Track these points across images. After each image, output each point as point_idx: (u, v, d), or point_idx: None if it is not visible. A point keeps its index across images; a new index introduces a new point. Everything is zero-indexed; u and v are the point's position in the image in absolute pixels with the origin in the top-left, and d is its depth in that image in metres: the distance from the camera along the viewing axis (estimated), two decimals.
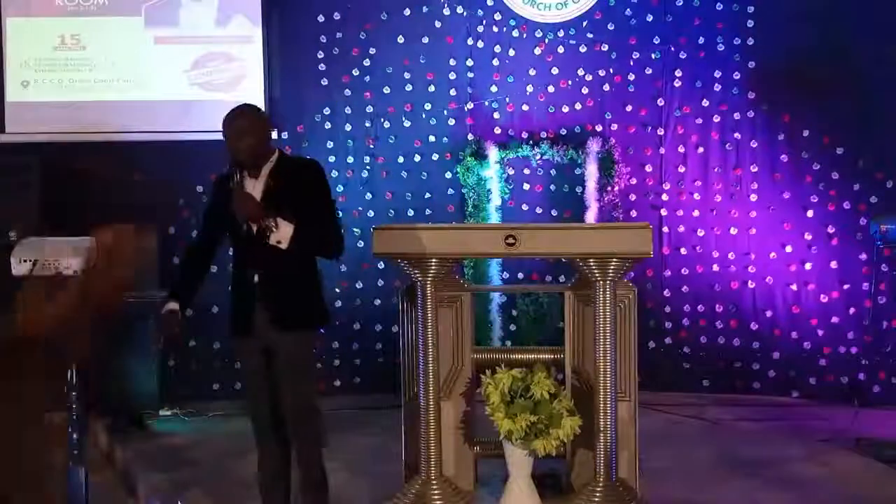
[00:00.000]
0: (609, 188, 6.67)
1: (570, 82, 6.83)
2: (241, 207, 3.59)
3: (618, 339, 3.99)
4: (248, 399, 3.94)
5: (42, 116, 6.68)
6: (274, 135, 6.77)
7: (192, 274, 3.87)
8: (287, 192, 3.64)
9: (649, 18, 6.79)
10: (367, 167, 6.87)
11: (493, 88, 6.85)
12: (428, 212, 6.82)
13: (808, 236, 6.62)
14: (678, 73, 6.78)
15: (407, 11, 6.82)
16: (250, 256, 3.67)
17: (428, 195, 6.85)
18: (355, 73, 6.85)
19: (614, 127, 6.82)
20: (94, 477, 3.83)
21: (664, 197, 6.81)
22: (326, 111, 6.84)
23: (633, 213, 6.78)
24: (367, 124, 6.86)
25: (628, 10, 6.80)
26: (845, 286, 6.55)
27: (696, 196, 6.80)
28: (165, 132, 6.74)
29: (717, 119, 6.76)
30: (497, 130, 6.83)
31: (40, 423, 0.90)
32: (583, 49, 6.83)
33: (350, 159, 6.85)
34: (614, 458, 3.95)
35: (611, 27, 6.81)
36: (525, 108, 6.85)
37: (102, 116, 6.62)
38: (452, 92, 6.86)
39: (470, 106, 6.85)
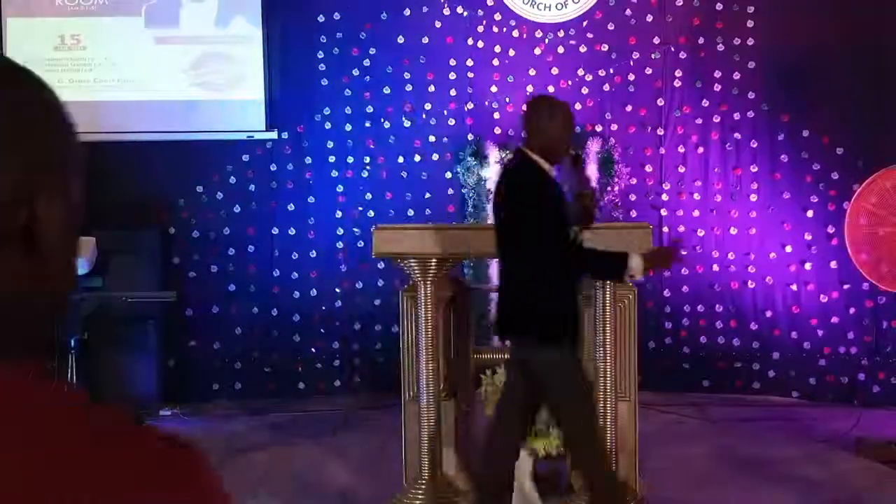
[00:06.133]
0: (609, 188, 6.67)
1: (570, 82, 6.83)
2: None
3: (618, 339, 4.00)
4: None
5: None
6: (274, 135, 6.81)
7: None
8: None
9: (649, 18, 6.78)
10: (367, 167, 6.86)
11: (493, 88, 6.84)
12: (428, 212, 6.81)
13: (808, 236, 6.62)
14: (678, 73, 6.78)
15: (407, 11, 6.82)
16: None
17: (428, 195, 6.84)
18: (355, 73, 6.84)
19: (614, 127, 6.81)
20: None
21: (664, 197, 6.81)
22: (326, 111, 6.83)
23: (633, 213, 6.78)
24: (367, 124, 6.86)
25: (628, 10, 6.80)
26: (845, 286, 6.54)
27: (696, 196, 6.80)
28: (165, 132, 6.73)
29: (717, 119, 6.76)
30: (497, 130, 6.83)
31: None
32: (583, 49, 6.83)
33: (350, 159, 6.85)
34: (614, 458, 3.95)
35: (611, 27, 6.81)
36: (525, 108, 6.84)
37: (102, 117, 6.61)
38: (452, 92, 6.85)
39: (470, 106, 6.85)
